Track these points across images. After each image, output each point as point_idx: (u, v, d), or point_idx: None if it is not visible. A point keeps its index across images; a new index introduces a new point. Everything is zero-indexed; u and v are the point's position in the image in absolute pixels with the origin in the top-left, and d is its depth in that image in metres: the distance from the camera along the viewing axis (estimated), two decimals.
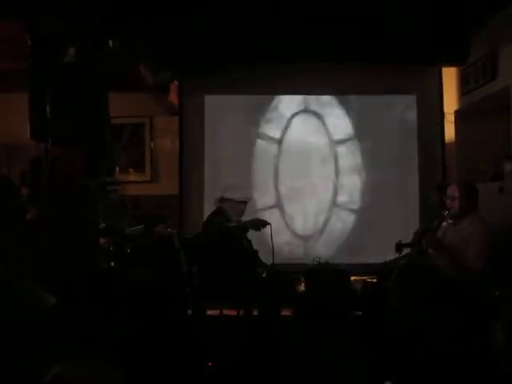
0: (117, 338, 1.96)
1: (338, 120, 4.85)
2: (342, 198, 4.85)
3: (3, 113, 4.70)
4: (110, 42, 3.06)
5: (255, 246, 3.78)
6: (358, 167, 4.84)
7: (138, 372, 2.18)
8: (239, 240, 3.56)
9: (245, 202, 3.66)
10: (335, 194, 4.85)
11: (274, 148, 4.86)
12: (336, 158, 4.86)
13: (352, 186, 4.84)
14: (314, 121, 4.87)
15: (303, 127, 4.87)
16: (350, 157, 4.86)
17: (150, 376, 2.36)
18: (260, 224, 3.59)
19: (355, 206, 4.83)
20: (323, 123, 4.87)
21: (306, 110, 4.88)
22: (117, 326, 2.15)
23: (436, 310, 2.73)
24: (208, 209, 4.13)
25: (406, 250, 3.65)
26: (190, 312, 3.48)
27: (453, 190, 3.24)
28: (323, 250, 4.69)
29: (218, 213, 3.64)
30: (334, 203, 4.85)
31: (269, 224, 3.56)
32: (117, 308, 2.38)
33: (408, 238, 3.76)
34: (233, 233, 3.41)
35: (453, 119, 4.64)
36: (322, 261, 4.40)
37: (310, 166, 4.86)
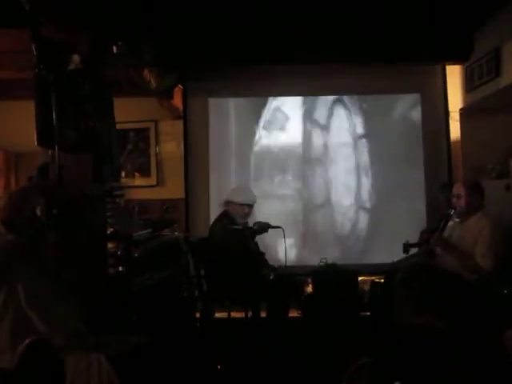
0: (128, 342, 1.98)
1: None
2: (350, 198, 4.85)
3: (11, 120, 4.74)
4: (115, 48, 3.09)
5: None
6: (365, 166, 4.84)
7: (147, 375, 2.19)
8: (245, 242, 3.57)
9: (249, 205, 3.69)
10: (346, 193, 4.85)
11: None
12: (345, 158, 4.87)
13: (359, 185, 4.84)
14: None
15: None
16: (357, 156, 4.85)
17: (160, 379, 2.37)
18: (265, 227, 3.61)
19: (363, 206, 4.82)
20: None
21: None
22: (127, 330, 2.16)
23: (443, 309, 2.72)
24: (214, 212, 4.15)
25: (414, 250, 3.64)
26: (198, 315, 3.49)
27: (458, 189, 3.23)
28: (330, 250, 4.68)
29: (224, 216, 3.68)
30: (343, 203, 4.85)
31: (273, 227, 3.59)
32: (126, 312, 2.39)
33: (415, 238, 3.76)
34: (239, 235, 3.42)
35: (458, 117, 4.62)
36: (329, 262, 4.41)
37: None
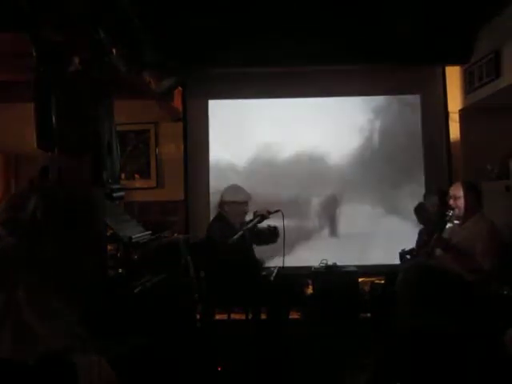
0: (128, 346, 1.98)
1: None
2: (349, 198, 4.85)
3: (11, 122, 4.74)
4: (114, 50, 3.08)
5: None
6: (365, 167, 4.83)
7: (147, 377, 2.19)
8: (244, 248, 3.56)
9: (247, 202, 3.69)
10: (345, 193, 4.85)
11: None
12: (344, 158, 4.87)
13: (359, 185, 4.84)
14: None
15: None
16: (356, 156, 4.85)
17: (160, 381, 2.36)
18: (266, 215, 3.61)
19: (362, 206, 4.82)
20: None
21: None
22: (127, 334, 2.16)
23: (443, 309, 2.73)
24: (214, 214, 4.15)
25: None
26: (198, 317, 3.49)
27: (456, 190, 3.24)
28: (330, 251, 4.68)
29: (219, 218, 3.68)
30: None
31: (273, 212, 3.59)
32: (126, 314, 2.39)
33: (415, 239, 3.76)
34: (236, 246, 3.40)
35: (457, 118, 4.63)
36: (330, 263, 4.41)
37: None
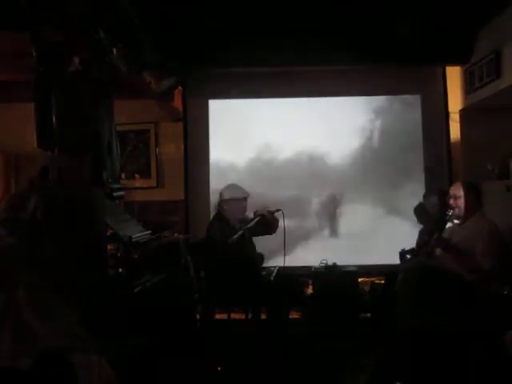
0: (128, 346, 1.98)
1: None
2: (350, 198, 4.85)
3: (11, 122, 4.75)
4: (114, 50, 3.09)
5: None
6: (365, 166, 4.83)
7: (147, 377, 2.19)
8: (244, 247, 3.56)
9: (246, 199, 3.69)
10: (346, 193, 4.85)
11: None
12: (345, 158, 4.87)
13: (360, 185, 4.84)
14: None
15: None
16: (357, 156, 4.85)
17: (160, 380, 2.36)
18: (265, 216, 3.60)
19: (363, 206, 4.83)
20: None
21: None
22: (127, 334, 2.16)
23: (443, 309, 2.73)
24: (214, 213, 4.15)
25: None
26: (198, 317, 3.49)
27: (456, 189, 3.24)
28: (331, 251, 4.68)
29: (219, 218, 3.68)
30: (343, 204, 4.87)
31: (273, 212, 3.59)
32: (126, 314, 2.39)
33: (415, 239, 3.76)
34: (235, 246, 3.40)
35: (458, 118, 4.63)
36: (330, 263, 4.41)
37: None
